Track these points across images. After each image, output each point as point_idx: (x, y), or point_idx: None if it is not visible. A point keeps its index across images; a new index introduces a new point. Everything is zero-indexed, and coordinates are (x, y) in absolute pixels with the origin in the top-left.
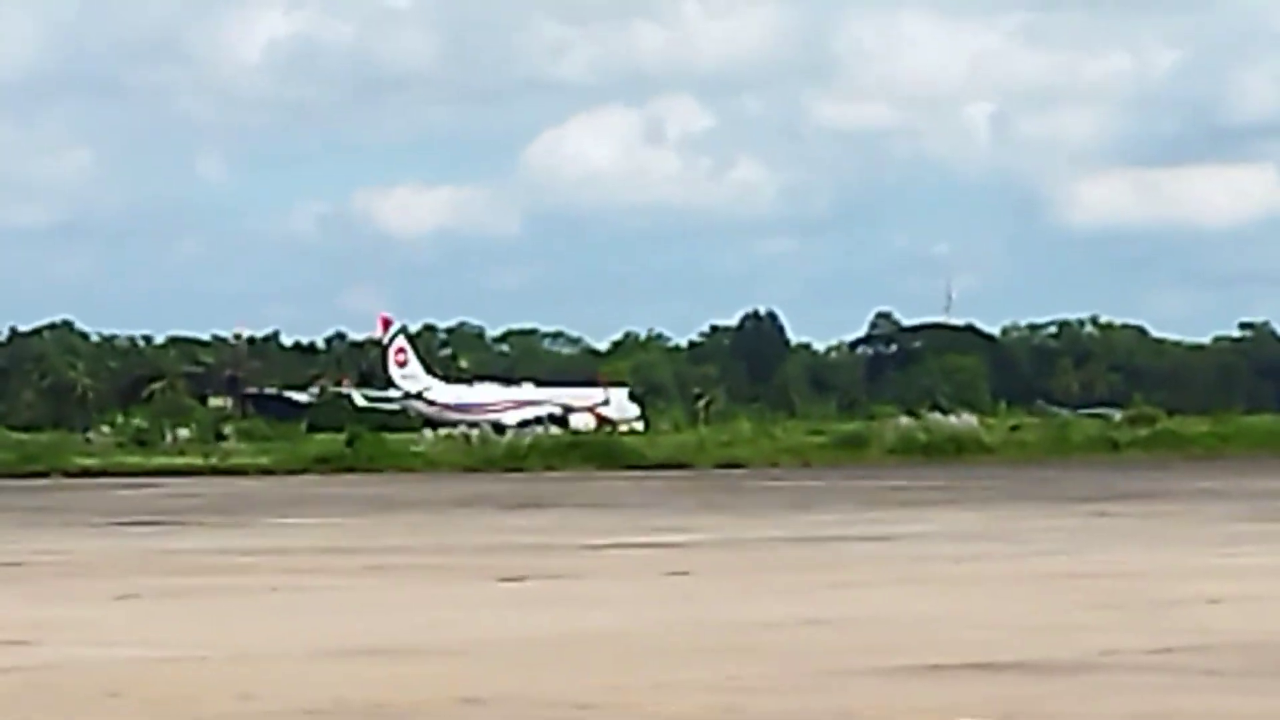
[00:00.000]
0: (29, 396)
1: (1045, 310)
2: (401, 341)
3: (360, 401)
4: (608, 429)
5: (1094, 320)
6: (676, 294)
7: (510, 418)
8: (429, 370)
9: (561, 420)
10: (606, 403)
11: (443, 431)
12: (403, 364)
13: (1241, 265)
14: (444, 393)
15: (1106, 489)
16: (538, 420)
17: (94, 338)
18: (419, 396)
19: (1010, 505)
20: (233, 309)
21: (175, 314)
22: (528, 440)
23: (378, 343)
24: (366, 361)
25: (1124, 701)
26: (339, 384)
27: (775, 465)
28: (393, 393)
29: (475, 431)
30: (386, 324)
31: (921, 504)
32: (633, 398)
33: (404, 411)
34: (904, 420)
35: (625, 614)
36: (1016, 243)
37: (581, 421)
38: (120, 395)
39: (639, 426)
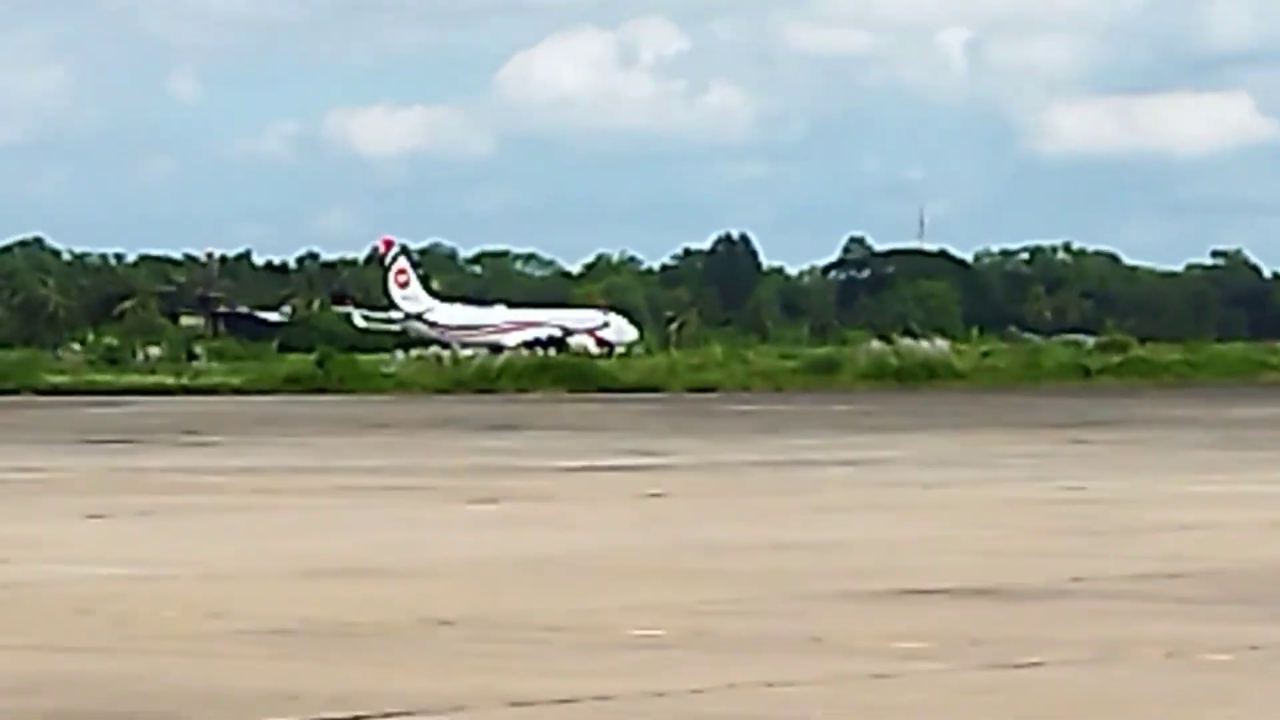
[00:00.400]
0: None
1: (1018, 236)
2: (403, 263)
3: (360, 322)
4: (606, 351)
5: (1067, 247)
6: (649, 217)
7: (511, 339)
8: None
9: (561, 342)
10: (607, 325)
11: (414, 353)
12: (404, 285)
13: (1215, 193)
14: (445, 314)
15: (1078, 415)
16: (538, 342)
17: (65, 255)
18: (419, 318)
19: (981, 431)
20: (205, 228)
21: (147, 232)
22: (498, 363)
23: (371, 260)
24: (338, 281)
25: (1093, 627)
26: (341, 302)
27: (747, 389)
28: (394, 314)
29: (447, 353)
30: (389, 245)
31: (893, 429)
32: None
33: (404, 332)
34: (876, 345)
35: (596, 537)
36: (990, 169)
37: (581, 344)
38: (91, 313)
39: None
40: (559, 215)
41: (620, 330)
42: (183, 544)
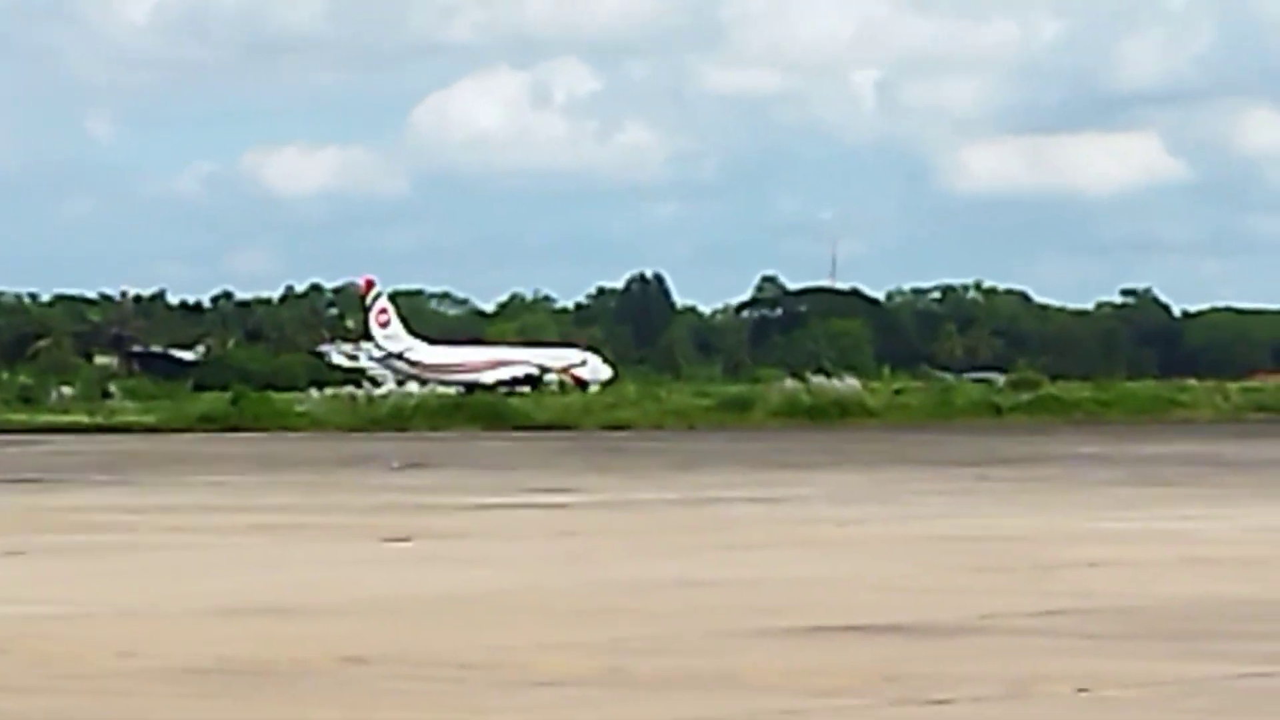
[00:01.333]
0: None
1: (929, 275)
2: (384, 302)
3: (341, 360)
4: (582, 389)
5: (978, 285)
6: (563, 256)
7: (489, 377)
8: (408, 330)
9: (538, 380)
10: (584, 364)
11: (329, 391)
12: (385, 324)
13: (1124, 232)
14: (425, 353)
15: (989, 453)
16: (515, 380)
17: None
18: (400, 357)
19: (893, 468)
20: (120, 268)
21: (62, 272)
22: (413, 401)
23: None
24: (252, 320)
25: (1003, 664)
26: (320, 343)
27: (661, 427)
28: (374, 352)
29: (361, 392)
30: (370, 285)
31: (805, 467)
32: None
33: (383, 370)
34: (788, 383)
35: (510, 574)
36: (901, 208)
37: (557, 382)
38: (5, 352)
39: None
40: (473, 254)
41: (596, 369)
42: (98, 582)
